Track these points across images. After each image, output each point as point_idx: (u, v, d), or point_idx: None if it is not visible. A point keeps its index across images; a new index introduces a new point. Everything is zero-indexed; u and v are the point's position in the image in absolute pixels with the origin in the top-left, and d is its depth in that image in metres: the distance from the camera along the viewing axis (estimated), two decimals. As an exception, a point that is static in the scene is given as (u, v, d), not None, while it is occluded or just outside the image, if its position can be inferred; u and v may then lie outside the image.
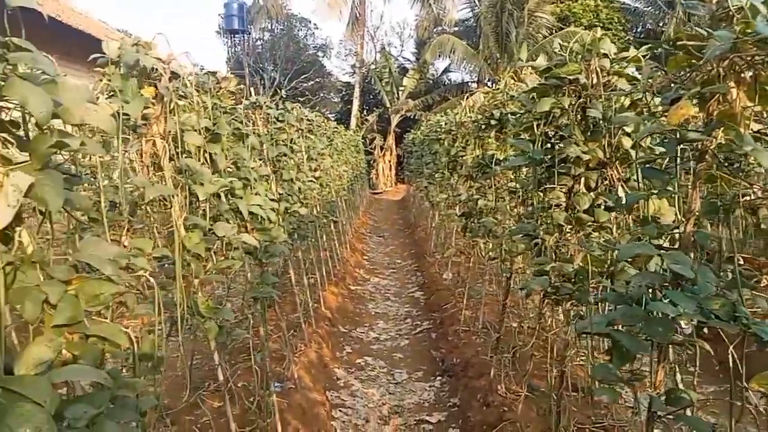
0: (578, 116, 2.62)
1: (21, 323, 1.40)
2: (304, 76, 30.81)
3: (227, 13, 26.87)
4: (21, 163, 1.39)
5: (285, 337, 4.27)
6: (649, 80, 1.90)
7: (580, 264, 2.55)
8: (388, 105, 26.53)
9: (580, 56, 2.54)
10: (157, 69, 2.40)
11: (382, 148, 26.82)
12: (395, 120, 26.45)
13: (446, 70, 29.86)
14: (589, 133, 2.58)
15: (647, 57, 2.28)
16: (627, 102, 2.41)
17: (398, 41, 48.40)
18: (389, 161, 27.09)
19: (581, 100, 2.57)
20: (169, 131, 2.38)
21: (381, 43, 30.91)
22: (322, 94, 33.28)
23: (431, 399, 4.58)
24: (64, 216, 1.81)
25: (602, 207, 2.62)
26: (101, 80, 2.19)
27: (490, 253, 4.67)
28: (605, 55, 2.51)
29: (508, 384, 3.86)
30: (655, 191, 1.94)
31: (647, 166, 1.93)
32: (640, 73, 2.30)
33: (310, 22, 32.78)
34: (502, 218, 4.35)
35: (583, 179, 2.64)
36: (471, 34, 25.35)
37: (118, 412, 1.51)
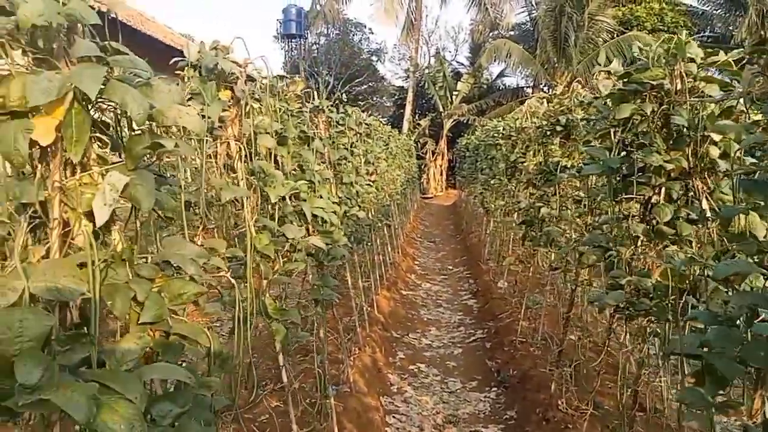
0: (660, 123, 2.50)
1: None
2: (357, 80, 31.13)
3: (285, 18, 27.45)
4: (116, 163, 1.43)
5: (342, 340, 4.28)
6: (748, 87, 1.78)
7: (659, 279, 2.43)
8: (441, 109, 26.41)
9: (664, 60, 2.42)
10: (233, 72, 2.44)
11: (433, 153, 26.72)
12: (448, 124, 26.30)
13: (501, 75, 29.52)
14: (671, 142, 2.46)
15: (743, 62, 2.14)
16: (717, 109, 2.27)
17: (452, 45, 48.35)
18: (440, 166, 26.95)
19: (664, 106, 2.45)
20: (244, 134, 2.42)
21: (435, 48, 30.91)
22: (374, 98, 33.55)
23: (487, 410, 4.48)
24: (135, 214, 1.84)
25: (683, 219, 2.49)
26: (179, 83, 2.25)
27: (552, 263, 4.54)
28: (692, 60, 2.39)
29: (569, 399, 3.73)
30: (748, 204, 1.82)
31: (744, 177, 1.80)
32: (736, 79, 2.17)
33: (365, 26, 33.12)
34: (567, 228, 4.22)
35: (663, 190, 2.51)
36: (528, 38, 24.95)
37: (194, 410, 1.53)
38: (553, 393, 3.80)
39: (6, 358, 1.06)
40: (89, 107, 1.33)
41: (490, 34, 28.44)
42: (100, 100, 1.44)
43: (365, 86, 32.63)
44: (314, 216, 3.42)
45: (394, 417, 4.33)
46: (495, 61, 24.17)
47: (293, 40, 29.12)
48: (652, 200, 2.60)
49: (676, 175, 2.46)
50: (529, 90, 26.43)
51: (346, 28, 32.14)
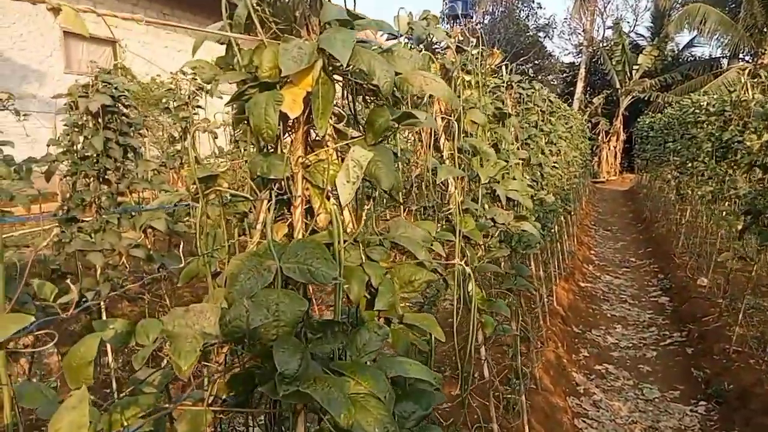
0: None
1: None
2: (522, 58, 29.80)
3: (451, -1, 27.17)
4: (356, 137, 1.33)
5: (530, 333, 4.00)
6: None
7: None
8: (617, 86, 24.22)
9: None
10: (442, 43, 2.28)
11: (606, 133, 24.68)
12: (624, 102, 24.06)
13: (689, 45, 26.24)
14: None
15: None
16: None
17: (631, 15, 44.33)
18: (614, 147, 24.82)
19: None
20: (453, 108, 2.25)
21: (613, 18, 28.37)
22: (540, 77, 31.93)
23: (695, 427, 3.90)
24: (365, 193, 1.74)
25: None
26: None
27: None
28: None
29: (818, 431, 3.06)
30: None
31: None
32: None
33: (532, 1, 31.59)
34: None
35: None
36: (726, 0, 21.70)
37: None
38: (794, 420, 3.15)
39: (264, 342, 1.00)
40: (334, 77, 1.24)
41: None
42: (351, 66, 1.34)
43: (530, 64, 31.18)
44: (508, 199, 3.17)
45: (583, 421, 3.96)
46: (685, 28, 21.42)
47: (458, 21, 28.74)
48: None
49: None
50: (725, 61, 23.10)
51: (512, 5, 30.94)
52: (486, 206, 3.02)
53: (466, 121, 2.44)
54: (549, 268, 6.09)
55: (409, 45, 2.26)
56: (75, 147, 3.49)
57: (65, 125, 3.50)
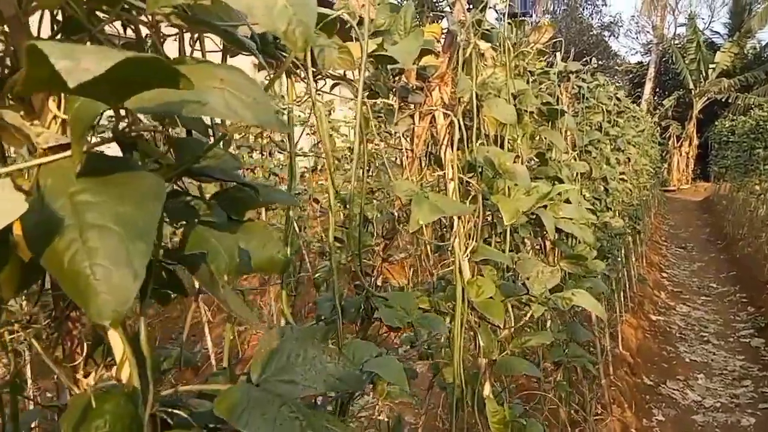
0: None
1: None
2: (584, 59, 28.12)
3: (508, -4, 25.90)
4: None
5: (586, 400, 3.01)
6: None
7: None
8: (690, 86, 22.22)
9: None
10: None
11: (678, 138, 22.71)
12: (699, 104, 22.03)
13: (774, 41, 23.83)
14: None
15: None
16: None
17: (707, 11, 41.61)
18: (686, 153, 22.80)
19: None
20: (459, 97, 1.35)
21: (687, 13, 26.27)
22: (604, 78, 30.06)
23: None
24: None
25: None
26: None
27: None
28: None
29: None
30: None
31: None
32: None
33: (597, -2, 29.81)
34: None
35: None
36: (821, -10, 19.45)
37: None
38: None
39: None
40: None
41: (763, -9, 22.99)
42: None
43: (594, 65, 29.38)
44: (557, 230, 2.22)
45: None
46: (771, 22, 19.34)
47: (515, 20, 27.38)
48: None
49: None
50: (817, 58, 20.81)
51: (574, 3, 29.28)
52: (526, 242, 2.12)
53: (487, 118, 1.53)
54: (614, 303, 5.01)
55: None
56: None
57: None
